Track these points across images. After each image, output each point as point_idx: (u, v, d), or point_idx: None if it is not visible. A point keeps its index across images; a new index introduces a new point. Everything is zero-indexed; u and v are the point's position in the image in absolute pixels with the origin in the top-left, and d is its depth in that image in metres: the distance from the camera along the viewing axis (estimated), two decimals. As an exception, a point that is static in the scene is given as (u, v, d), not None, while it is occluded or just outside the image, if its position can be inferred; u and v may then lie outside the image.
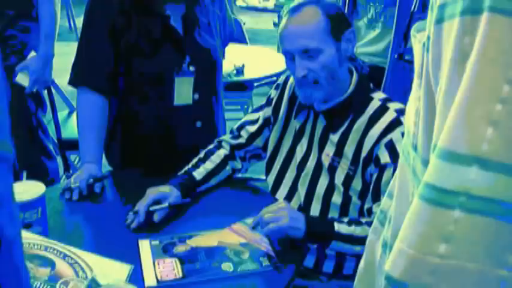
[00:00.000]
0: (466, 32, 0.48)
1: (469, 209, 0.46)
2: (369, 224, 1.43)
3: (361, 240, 1.41)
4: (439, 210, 0.47)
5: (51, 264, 1.16)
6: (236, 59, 3.05)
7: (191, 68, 1.80)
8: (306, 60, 1.48)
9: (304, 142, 1.63)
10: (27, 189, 1.35)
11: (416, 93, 0.60)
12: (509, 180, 0.44)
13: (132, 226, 1.48)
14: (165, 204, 1.53)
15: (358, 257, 0.79)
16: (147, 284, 1.26)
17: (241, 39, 3.69)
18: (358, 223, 1.44)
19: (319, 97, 1.52)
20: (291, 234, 1.41)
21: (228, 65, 2.94)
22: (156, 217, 1.50)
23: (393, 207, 0.62)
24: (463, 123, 0.46)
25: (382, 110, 1.50)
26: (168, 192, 1.56)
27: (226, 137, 1.78)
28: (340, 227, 1.43)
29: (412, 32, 0.62)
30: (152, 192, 1.54)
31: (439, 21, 0.52)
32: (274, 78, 3.04)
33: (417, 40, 0.59)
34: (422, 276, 0.48)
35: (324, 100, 1.54)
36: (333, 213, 1.54)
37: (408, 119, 0.62)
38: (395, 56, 2.35)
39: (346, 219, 1.46)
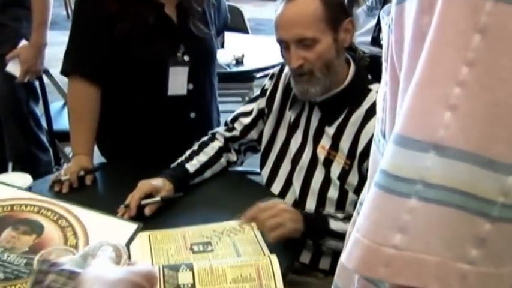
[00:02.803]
0: (425, 11, 0.47)
1: (425, 197, 0.44)
2: None
3: None
4: (394, 198, 0.46)
5: (39, 230, 1.14)
6: (236, 49, 3.05)
7: (186, 58, 1.80)
8: (302, 50, 1.48)
9: (298, 134, 1.63)
10: (13, 181, 1.36)
11: (384, 78, 0.59)
12: (468, 167, 0.43)
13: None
14: (157, 198, 1.53)
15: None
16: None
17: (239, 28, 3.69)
18: None
19: (315, 92, 1.52)
20: (291, 236, 1.39)
21: (227, 55, 2.94)
22: (148, 211, 1.51)
23: (365, 197, 0.62)
24: (418, 107, 0.45)
25: None
26: (160, 185, 1.56)
27: (221, 129, 1.79)
28: (335, 225, 1.43)
29: (381, 14, 0.61)
30: (144, 185, 1.54)
31: (401, 0, 0.51)
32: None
33: (385, 22, 0.58)
34: (377, 268, 0.46)
35: (320, 94, 1.55)
36: (329, 208, 1.55)
37: (378, 105, 0.62)
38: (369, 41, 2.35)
39: (341, 216, 1.47)
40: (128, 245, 1.18)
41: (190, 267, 1.22)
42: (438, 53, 0.45)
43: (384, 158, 0.48)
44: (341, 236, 1.42)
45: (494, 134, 0.43)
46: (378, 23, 2.31)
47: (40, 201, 1.20)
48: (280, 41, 1.53)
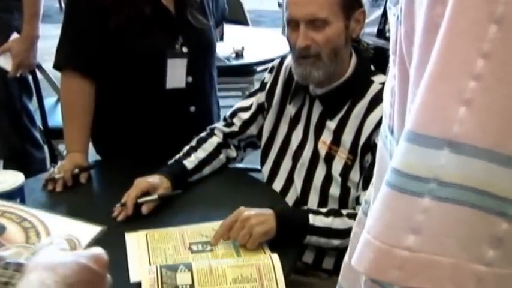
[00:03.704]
0: (438, 1, 0.46)
1: (439, 196, 0.43)
2: (350, 215, 1.43)
3: (339, 233, 1.41)
4: (406, 197, 0.45)
5: (1, 230, 1.14)
6: (235, 41, 3.04)
7: (184, 49, 1.79)
8: (311, 31, 1.47)
9: (299, 129, 1.62)
10: (4, 179, 1.35)
11: (392, 71, 0.58)
12: (484, 165, 0.42)
13: (119, 219, 1.48)
14: (154, 196, 1.52)
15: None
16: (132, 279, 1.26)
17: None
18: (337, 214, 1.44)
19: (318, 76, 1.50)
20: (266, 239, 1.38)
21: (226, 48, 2.94)
22: (145, 209, 1.50)
23: (372, 195, 0.61)
24: (431, 102, 0.44)
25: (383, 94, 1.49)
26: (157, 182, 1.55)
27: (219, 124, 1.78)
28: (316, 219, 1.43)
29: (388, 4, 0.60)
30: (141, 183, 1.53)
31: None
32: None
33: (392, 13, 0.57)
34: (389, 271, 0.45)
35: (321, 82, 1.53)
36: (332, 206, 1.54)
37: (385, 99, 0.61)
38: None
39: (324, 210, 1.46)
40: (89, 246, 1.19)
41: (189, 268, 1.21)
42: (452, 45, 0.44)
43: (395, 155, 0.47)
44: (321, 231, 1.42)
45: (511, 130, 0.42)
46: (384, 14, 2.29)
47: (4, 206, 1.21)
48: (290, 20, 1.51)
